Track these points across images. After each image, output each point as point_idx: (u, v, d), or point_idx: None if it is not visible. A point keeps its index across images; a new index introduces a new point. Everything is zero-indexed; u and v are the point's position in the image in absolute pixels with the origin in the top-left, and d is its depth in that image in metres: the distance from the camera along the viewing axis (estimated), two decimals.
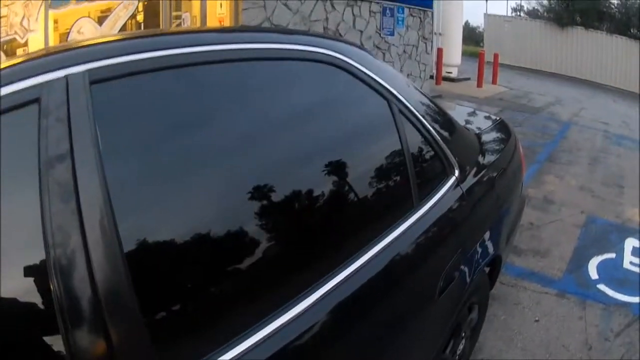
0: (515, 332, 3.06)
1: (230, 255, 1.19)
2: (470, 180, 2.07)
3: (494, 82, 14.79)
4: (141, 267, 1.01)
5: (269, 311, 1.19)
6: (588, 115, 11.75)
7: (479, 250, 2.07)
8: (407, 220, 1.66)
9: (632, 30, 21.52)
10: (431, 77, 11.92)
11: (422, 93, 2.12)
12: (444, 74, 13.58)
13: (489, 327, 2.99)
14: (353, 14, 8.68)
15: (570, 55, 22.06)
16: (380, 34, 9.22)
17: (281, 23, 7.37)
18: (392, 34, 9.44)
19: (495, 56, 15.35)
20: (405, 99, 1.81)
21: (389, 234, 1.57)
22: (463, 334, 2.27)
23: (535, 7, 26.54)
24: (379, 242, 1.52)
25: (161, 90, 1.20)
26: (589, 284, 3.73)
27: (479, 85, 13.83)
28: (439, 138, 1.92)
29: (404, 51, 9.92)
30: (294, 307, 1.23)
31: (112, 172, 1.00)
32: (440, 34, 13.60)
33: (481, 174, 2.18)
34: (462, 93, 12.48)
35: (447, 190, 1.90)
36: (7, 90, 0.98)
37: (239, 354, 1.09)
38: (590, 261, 4.08)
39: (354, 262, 1.42)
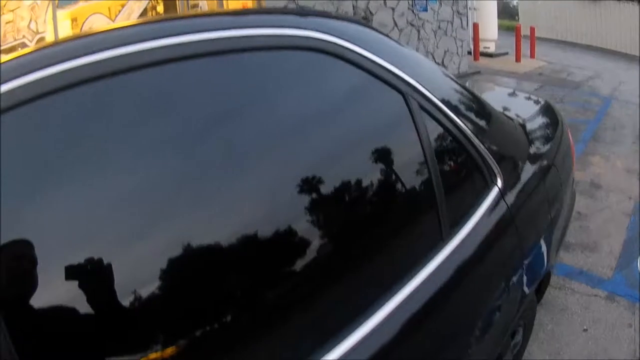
0: (563, 344, 2.73)
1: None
2: (517, 189, 1.64)
3: (532, 56, 14.17)
4: None
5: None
6: (627, 90, 11.19)
7: (527, 274, 1.65)
8: (434, 257, 1.25)
9: None
10: (469, 52, 11.47)
11: (453, 79, 1.66)
12: (481, 49, 13.01)
13: (534, 338, 2.66)
14: None
15: (604, 27, 21.38)
16: (412, 11, 8.82)
17: (307, 4, 7.04)
18: (425, 10, 9.03)
19: (532, 30, 14.72)
20: (427, 90, 1.36)
21: (409, 279, 1.17)
22: None
23: None
24: (396, 291, 1.14)
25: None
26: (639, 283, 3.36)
27: (518, 59, 13.20)
28: (476, 138, 1.48)
29: (439, 27, 9.50)
30: None
31: None
32: (475, 8, 13.06)
33: (529, 178, 1.74)
34: (500, 69, 11.94)
35: (488, 209, 1.47)
36: None
37: None
38: None
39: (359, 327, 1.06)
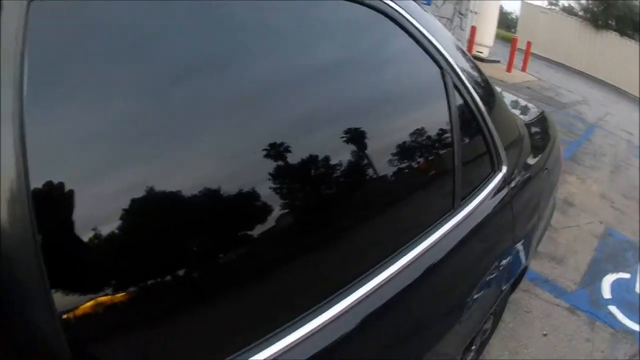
0: (522, 344, 2.88)
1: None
2: (517, 179, 1.74)
3: (523, 69, 14.40)
4: None
5: (289, 318, 0.92)
6: (613, 121, 11.49)
7: (515, 259, 1.76)
8: (445, 223, 1.33)
9: None
10: None
11: (474, 64, 1.73)
12: (474, 52, 13.12)
13: (496, 333, 2.76)
14: None
15: (601, 57, 21.88)
16: (416, 1, 8.84)
17: None
18: (428, 3, 9.06)
19: (528, 44, 14.94)
20: (461, 71, 1.46)
21: (423, 240, 1.24)
22: (473, 347, 2.00)
23: (572, 5, 26.20)
24: (411, 248, 1.20)
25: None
26: (601, 303, 3.55)
27: (509, 69, 13.40)
28: (492, 124, 1.58)
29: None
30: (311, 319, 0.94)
31: None
32: (476, 12, 13.14)
33: (527, 172, 1.85)
34: (490, 75, 11.91)
35: (493, 190, 1.57)
36: None
37: None
38: (605, 278, 3.90)
39: (380, 269, 1.11)
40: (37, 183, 0.62)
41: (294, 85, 1.01)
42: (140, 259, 0.75)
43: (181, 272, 0.78)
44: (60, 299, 0.64)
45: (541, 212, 2.09)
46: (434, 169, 1.39)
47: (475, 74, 1.65)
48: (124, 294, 0.71)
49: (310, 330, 0.92)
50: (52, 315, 0.63)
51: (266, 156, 0.89)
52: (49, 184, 0.64)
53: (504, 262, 1.65)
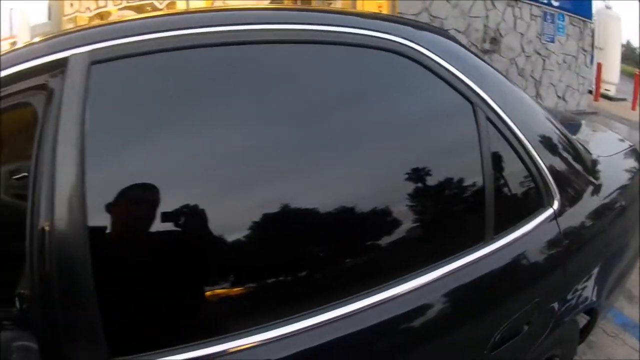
0: None
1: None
2: (574, 215, 1.68)
3: None
4: None
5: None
6: None
7: (569, 300, 1.69)
8: (468, 255, 1.36)
9: None
10: (589, 92, 11.04)
11: (533, 101, 1.77)
12: (602, 90, 12.44)
13: None
14: (514, 15, 8.24)
15: None
16: (540, 39, 8.65)
17: (439, 16, 7.14)
18: (552, 41, 8.82)
19: None
20: (497, 105, 1.48)
21: (440, 267, 1.30)
22: None
23: None
24: (426, 273, 1.28)
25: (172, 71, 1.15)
26: None
27: (633, 107, 12.43)
28: (539, 158, 1.56)
29: (564, 61, 9.23)
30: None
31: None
32: (600, 48, 12.48)
33: (591, 209, 1.77)
34: (616, 113, 11.28)
35: (537, 225, 1.53)
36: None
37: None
38: None
39: (386, 289, 1.21)
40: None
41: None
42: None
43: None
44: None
45: (616, 252, 1.98)
46: (462, 200, 1.45)
47: (527, 109, 1.68)
48: None
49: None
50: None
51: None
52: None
53: (548, 303, 1.61)
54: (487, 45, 7.87)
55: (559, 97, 9.26)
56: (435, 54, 1.38)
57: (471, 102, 1.43)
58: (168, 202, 1.04)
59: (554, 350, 1.83)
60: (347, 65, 1.32)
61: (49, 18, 8.68)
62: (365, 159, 1.28)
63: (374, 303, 1.18)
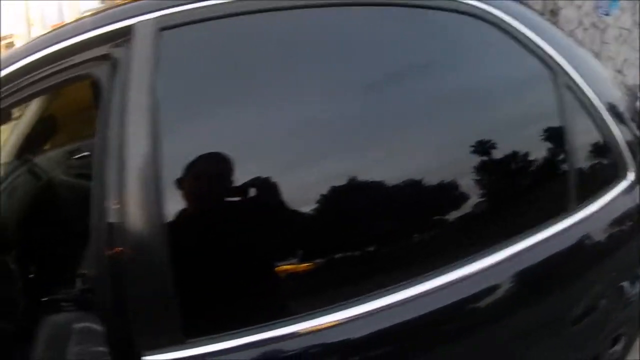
0: None
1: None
2: None
3: None
4: None
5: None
6: None
7: (639, 277, 1.64)
8: (553, 225, 1.33)
9: None
10: None
11: (604, 73, 1.74)
12: None
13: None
14: None
15: None
16: (596, 12, 8.36)
17: None
18: (607, 14, 8.50)
19: None
20: (576, 72, 1.44)
21: (526, 237, 1.28)
22: None
23: None
24: (515, 244, 1.26)
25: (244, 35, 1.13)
26: None
27: None
28: (615, 128, 1.51)
29: (620, 34, 8.90)
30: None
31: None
32: None
33: None
34: None
35: (616, 197, 1.50)
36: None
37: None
38: None
39: (471, 263, 1.20)
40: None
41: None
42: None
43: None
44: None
45: None
46: (547, 169, 1.43)
47: (602, 78, 1.64)
48: None
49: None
50: None
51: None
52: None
53: (625, 277, 1.58)
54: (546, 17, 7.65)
55: (617, 71, 8.96)
56: (516, 19, 1.35)
57: (551, 69, 1.40)
58: (244, 177, 1.03)
59: (623, 329, 1.80)
60: (424, 29, 1.31)
61: (102, 2, 8.71)
62: (442, 127, 1.27)
63: (458, 278, 1.16)
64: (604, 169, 1.53)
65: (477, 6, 1.30)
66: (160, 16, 1.04)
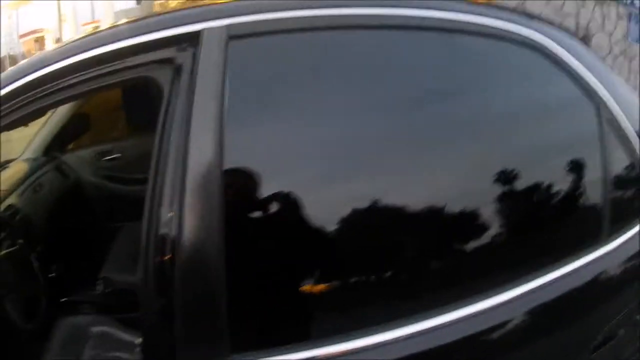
0: None
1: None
2: None
3: None
4: None
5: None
6: None
7: None
8: (585, 256, 1.32)
9: None
10: None
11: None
12: None
13: None
14: (603, 14, 7.93)
15: None
16: (626, 40, 8.31)
17: (533, 12, 6.94)
18: (637, 42, 8.45)
19: None
20: (619, 108, 1.42)
21: (557, 268, 1.27)
22: None
23: None
24: (547, 274, 1.25)
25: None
26: None
27: None
28: None
29: None
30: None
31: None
32: None
33: None
34: None
35: None
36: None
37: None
38: None
39: (501, 293, 1.18)
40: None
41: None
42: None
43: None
44: None
45: None
46: (582, 199, 1.41)
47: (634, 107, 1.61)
48: None
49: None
50: None
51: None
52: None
53: None
54: None
55: None
56: (566, 50, 1.34)
57: (596, 103, 1.38)
58: (308, 190, 1.03)
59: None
60: (475, 57, 1.29)
61: (138, 2, 8.60)
62: (483, 154, 1.26)
63: (490, 307, 1.15)
64: (633, 201, 1.51)
65: (530, 36, 1.30)
66: (231, 24, 1.03)
